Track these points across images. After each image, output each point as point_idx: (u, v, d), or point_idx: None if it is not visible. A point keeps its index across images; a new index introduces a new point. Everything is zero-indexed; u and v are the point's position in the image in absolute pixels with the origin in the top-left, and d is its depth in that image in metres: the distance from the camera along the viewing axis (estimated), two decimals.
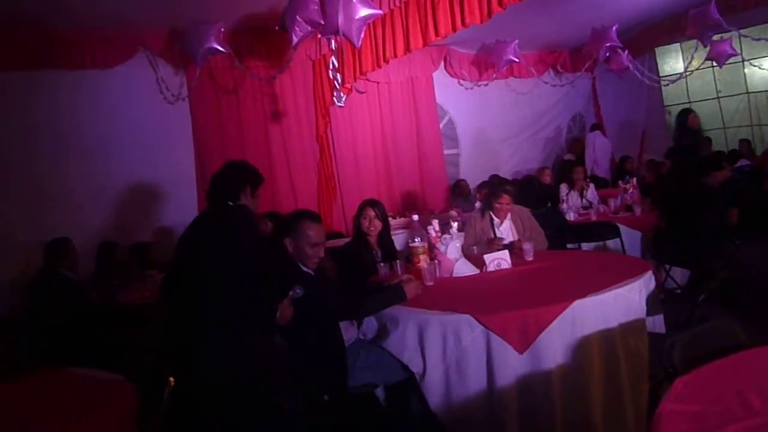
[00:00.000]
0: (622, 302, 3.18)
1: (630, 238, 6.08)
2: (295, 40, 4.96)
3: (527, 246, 4.24)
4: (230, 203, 3.45)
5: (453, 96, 9.86)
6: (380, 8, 5.27)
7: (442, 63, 9.56)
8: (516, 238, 4.88)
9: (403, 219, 7.53)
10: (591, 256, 4.98)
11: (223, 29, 6.28)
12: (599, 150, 10.69)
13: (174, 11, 6.29)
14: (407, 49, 6.40)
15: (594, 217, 6.66)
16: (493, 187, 5.28)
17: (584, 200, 7.52)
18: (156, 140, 6.98)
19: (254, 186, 3.56)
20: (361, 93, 7.47)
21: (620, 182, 7.41)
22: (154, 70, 7.03)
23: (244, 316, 3.19)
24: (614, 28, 8.51)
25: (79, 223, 6.05)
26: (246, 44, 7.21)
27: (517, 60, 9.02)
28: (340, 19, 4.72)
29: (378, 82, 8.80)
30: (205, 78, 7.13)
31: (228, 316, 3.17)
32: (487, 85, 9.87)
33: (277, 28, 5.13)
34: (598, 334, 3.05)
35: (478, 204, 7.09)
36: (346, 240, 5.70)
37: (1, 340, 5.03)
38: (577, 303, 3.03)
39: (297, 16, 4.84)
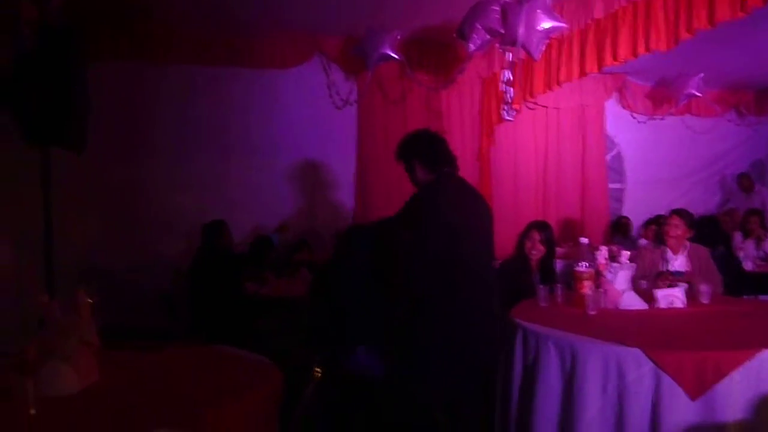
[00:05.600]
0: None
1: None
2: (471, 48, 4.84)
3: (704, 287, 3.85)
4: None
5: (624, 128, 9.31)
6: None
7: (616, 93, 9.10)
8: None
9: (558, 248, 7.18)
10: None
11: (399, 37, 6.30)
12: None
13: (353, 19, 6.38)
14: (582, 73, 6.11)
15: None
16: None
17: (761, 251, 6.88)
18: (321, 143, 7.14)
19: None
20: (531, 109, 7.28)
21: None
22: (326, 74, 7.18)
23: None
24: None
25: (237, 217, 6.22)
26: (416, 56, 7.18)
27: (699, 95, 8.39)
28: (521, 30, 4.56)
29: (546, 107, 8.49)
30: (373, 86, 7.20)
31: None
32: (662, 119, 9.26)
33: (454, 35, 5.04)
34: None
35: (643, 241, 6.66)
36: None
37: (159, 312, 5.27)
38: (767, 353, 2.69)
39: (477, 24, 4.73)
